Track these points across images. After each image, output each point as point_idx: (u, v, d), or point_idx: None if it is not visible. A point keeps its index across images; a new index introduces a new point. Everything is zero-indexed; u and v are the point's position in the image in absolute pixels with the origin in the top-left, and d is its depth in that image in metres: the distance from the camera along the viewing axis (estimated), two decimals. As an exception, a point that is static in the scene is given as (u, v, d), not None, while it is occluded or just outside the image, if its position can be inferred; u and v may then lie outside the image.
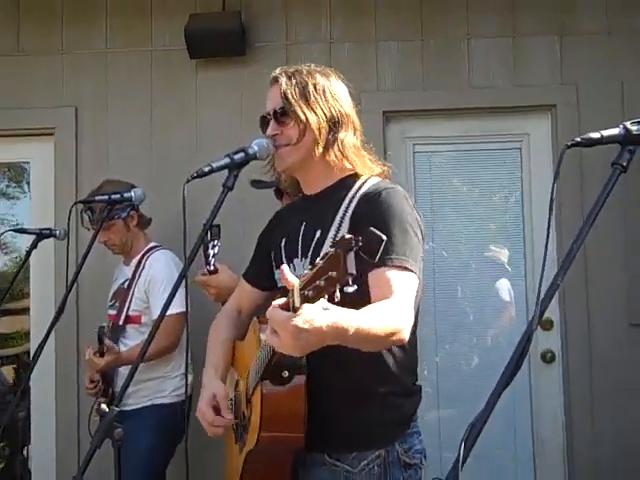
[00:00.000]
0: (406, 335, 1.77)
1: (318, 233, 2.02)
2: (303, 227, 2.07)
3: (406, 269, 1.86)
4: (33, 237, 3.25)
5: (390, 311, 1.75)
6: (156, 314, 3.35)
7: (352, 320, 1.59)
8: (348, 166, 2.06)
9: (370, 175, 2.07)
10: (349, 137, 2.06)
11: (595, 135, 1.56)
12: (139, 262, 3.51)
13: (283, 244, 2.13)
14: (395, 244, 1.87)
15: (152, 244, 3.58)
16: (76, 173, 4.06)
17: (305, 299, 1.43)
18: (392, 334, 1.73)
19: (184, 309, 3.13)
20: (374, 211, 1.94)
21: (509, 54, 4.02)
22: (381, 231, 1.84)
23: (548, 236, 1.48)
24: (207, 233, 2.76)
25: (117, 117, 4.09)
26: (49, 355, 3.74)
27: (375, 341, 1.72)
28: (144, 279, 3.44)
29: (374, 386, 1.99)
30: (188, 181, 2.06)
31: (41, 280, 4.09)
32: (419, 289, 1.92)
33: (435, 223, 4.08)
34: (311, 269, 1.43)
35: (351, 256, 1.37)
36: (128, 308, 3.42)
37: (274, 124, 2.06)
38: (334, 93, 2.07)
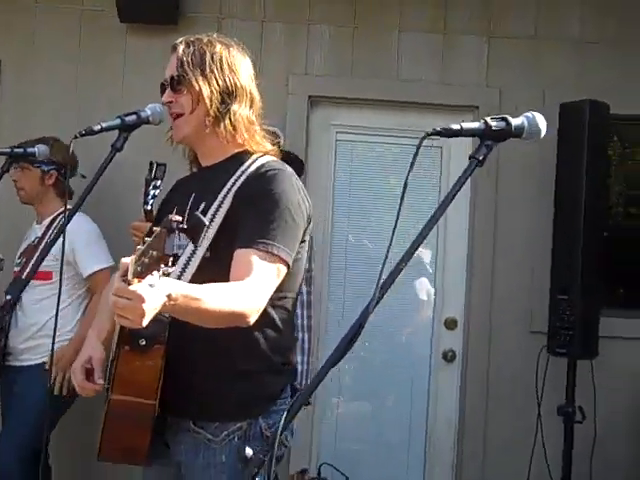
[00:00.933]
0: (252, 319, 1.82)
1: (202, 205, 2.04)
2: (192, 198, 2.10)
3: (272, 254, 1.90)
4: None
5: (238, 293, 1.80)
6: (86, 268, 3.42)
7: (186, 293, 1.63)
8: (239, 140, 2.08)
9: (263, 153, 2.10)
10: (243, 110, 2.07)
11: (455, 126, 1.62)
12: (52, 221, 3.54)
13: (174, 212, 2.10)
14: (268, 229, 1.92)
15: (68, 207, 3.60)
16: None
17: (136, 274, 1.46)
18: (234, 316, 1.79)
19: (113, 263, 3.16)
20: (255, 191, 1.98)
21: (439, 50, 4.10)
22: (257, 213, 1.93)
23: (397, 220, 1.53)
24: (151, 171, 2.81)
25: (42, 75, 4.06)
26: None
27: (212, 320, 1.77)
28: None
29: (241, 362, 2.03)
30: (76, 137, 2.10)
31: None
32: (294, 274, 2.02)
33: (352, 213, 4.15)
34: (142, 245, 1.46)
35: (171, 238, 1.41)
36: (36, 264, 3.41)
37: (169, 92, 2.08)
38: (232, 64, 2.08)
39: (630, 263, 4.52)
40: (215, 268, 1.93)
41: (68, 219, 2.26)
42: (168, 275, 1.49)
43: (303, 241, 2.06)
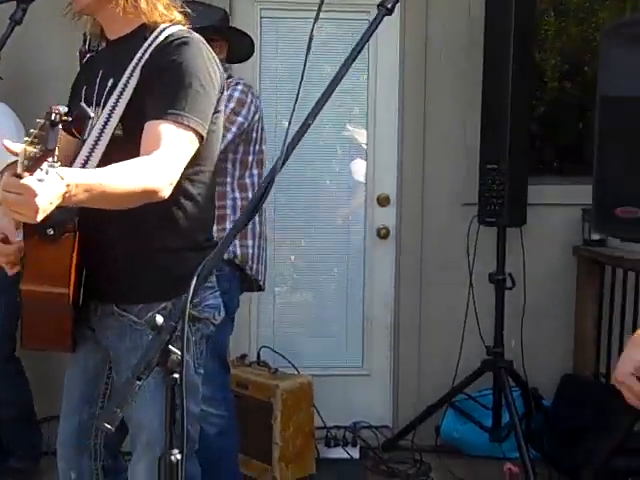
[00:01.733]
0: (165, 193, 1.79)
1: (110, 82, 2.00)
2: (100, 75, 2.04)
3: (183, 124, 1.87)
4: None
5: (146, 169, 1.77)
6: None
7: (94, 179, 1.60)
8: (145, 10, 2.00)
9: (170, 23, 2.03)
10: None
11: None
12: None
13: (83, 92, 2.09)
14: (177, 99, 1.88)
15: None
16: None
17: (24, 168, 1.42)
18: (144, 193, 1.75)
19: None
20: (162, 63, 1.93)
21: None
22: (165, 84, 1.88)
23: (302, 75, 1.50)
24: (84, 42, 2.71)
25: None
26: None
27: (122, 201, 1.74)
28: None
29: (160, 240, 2.02)
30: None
31: None
32: (209, 145, 2.00)
33: (279, 95, 4.07)
34: (28, 138, 1.42)
35: (54, 130, 1.37)
36: None
37: None
38: None
39: (561, 135, 4.60)
40: (126, 145, 1.89)
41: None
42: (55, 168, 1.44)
43: (217, 111, 2.03)
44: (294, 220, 4.22)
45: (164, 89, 1.90)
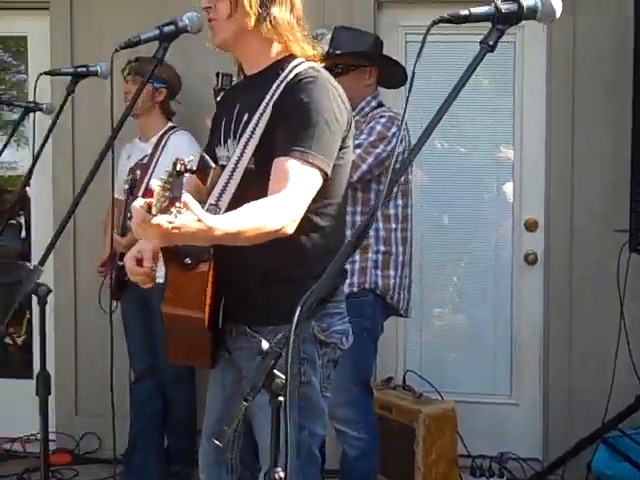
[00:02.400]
0: (288, 230, 1.89)
1: (246, 117, 2.11)
2: (237, 109, 2.16)
3: (308, 162, 1.95)
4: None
5: (270, 209, 1.86)
6: None
7: (217, 225, 1.69)
8: (280, 46, 2.12)
9: (303, 59, 2.12)
10: (283, 13, 2.09)
11: (464, 12, 1.61)
12: (160, 139, 3.75)
13: (223, 124, 2.22)
14: (304, 137, 1.97)
15: (171, 124, 3.84)
16: (71, 47, 4.21)
17: (158, 210, 1.55)
18: (269, 232, 1.85)
19: None
20: (291, 102, 2.02)
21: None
22: (293, 122, 1.99)
23: (404, 113, 1.55)
24: (217, 81, 2.90)
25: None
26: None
27: (249, 241, 1.83)
28: (170, 154, 3.60)
29: (289, 268, 2.11)
30: (117, 51, 2.19)
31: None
32: (336, 180, 2.07)
33: (424, 118, 4.10)
34: (160, 184, 1.54)
35: (179, 180, 1.49)
36: (148, 182, 3.62)
37: None
38: None
39: None
40: (258, 178, 2.00)
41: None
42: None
43: (345, 147, 2.11)
44: (441, 244, 4.24)
45: (292, 127, 1.99)
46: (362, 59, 3.19)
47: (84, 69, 2.84)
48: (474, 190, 4.21)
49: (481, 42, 1.62)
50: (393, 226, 3.13)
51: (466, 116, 4.12)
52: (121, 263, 3.65)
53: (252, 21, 2.07)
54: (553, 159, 4.01)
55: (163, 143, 3.73)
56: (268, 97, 2.06)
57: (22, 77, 4.75)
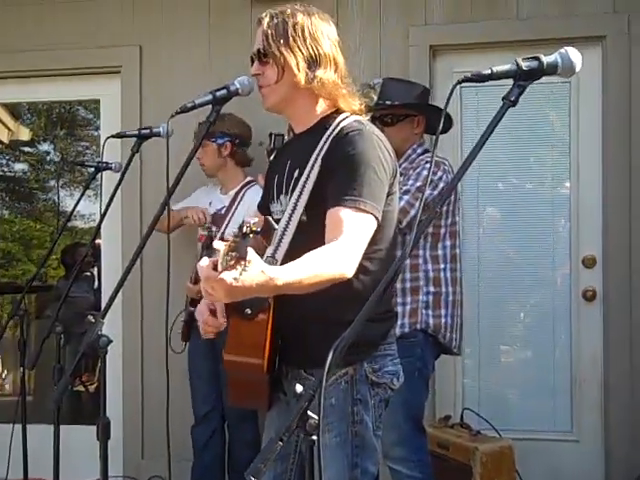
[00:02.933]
0: (349, 274, 1.99)
1: (296, 173, 2.24)
2: (288, 165, 2.30)
3: (360, 209, 2.05)
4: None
5: (331, 256, 1.96)
6: None
7: (279, 276, 1.80)
8: (327, 103, 2.25)
9: (348, 114, 2.25)
10: (328, 75, 2.22)
11: (486, 71, 1.72)
12: (237, 193, 3.93)
13: (276, 180, 2.36)
14: (353, 186, 2.07)
15: (249, 179, 4.00)
16: (140, 109, 4.46)
17: (223, 268, 1.67)
18: (332, 278, 1.95)
19: None
20: (339, 155, 2.14)
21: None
22: (342, 174, 2.11)
23: (431, 166, 1.65)
24: (270, 141, 3.05)
25: (178, 52, 4.44)
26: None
27: (311, 288, 1.93)
28: (246, 207, 3.78)
29: (342, 312, 2.11)
30: (172, 116, 2.35)
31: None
32: (384, 226, 2.17)
33: (482, 159, 4.20)
34: (227, 242, 1.67)
35: (245, 240, 1.61)
36: (224, 232, 3.81)
37: (257, 64, 2.26)
38: (313, 32, 2.22)
39: None
40: (311, 230, 2.11)
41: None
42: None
43: (391, 193, 2.21)
44: (498, 280, 4.28)
45: (341, 177, 2.11)
46: (411, 109, 3.34)
47: (147, 131, 3.01)
48: (533, 226, 4.25)
49: (503, 98, 1.73)
50: (442, 266, 3.24)
51: (524, 152, 4.22)
52: (192, 309, 3.86)
53: (302, 80, 2.21)
54: (610, 194, 4.04)
55: (240, 198, 3.89)
56: (316, 152, 2.19)
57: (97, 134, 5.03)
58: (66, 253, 6.48)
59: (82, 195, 3.66)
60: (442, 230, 3.23)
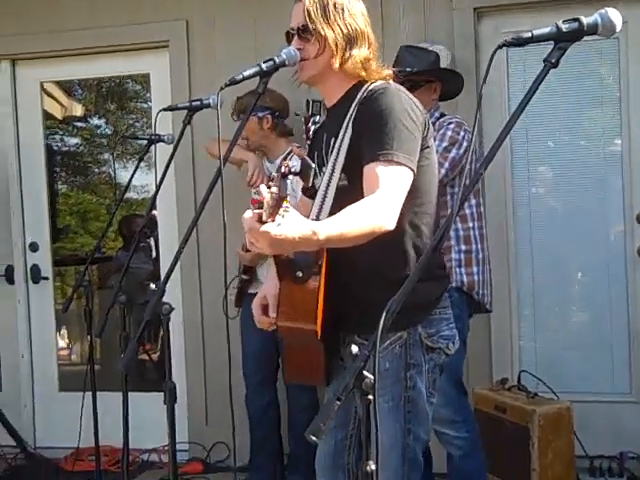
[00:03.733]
0: (390, 226, 2.02)
1: (332, 142, 2.32)
2: (325, 138, 2.38)
3: (393, 162, 2.11)
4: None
5: (369, 208, 2.01)
6: None
7: (320, 229, 1.88)
8: (358, 77, 2.32)
9: (374, 80, 2.31)
10: (362, 52, 2.31)
11: (526, 34, 1.75)
12: (284, 159, 3.94)
13: (316, 154, 2.43)
14: (384, 140, 2.13)
15: (295, 144, 4.01)
16: (189, 82, 4.55)
17: (268, 215, 1.75)
18: (372, 230, 2.00)
19: None
20: (366, 113, 2.21)
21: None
22: (372, 131, 2.18)
23: (474, 129, 1.69)
24: (307, 108, 3.13)
25: (225, 27, 4.52)
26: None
27: (353, 241, 1.99)
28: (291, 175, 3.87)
29: (392, 271, 2.23)
30: (222, 88, 2.41)
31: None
32: (426, 178, 2.24)
33: (530, 131, 4.23)
34: (268, 189, 1.75)
35: (284, 181, 1.71)
36: None
37: (297, 39, 2.34)
38: (351, 10, 2.32)
39: None
40: (350, 192, 2.16)
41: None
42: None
43: (427, 147, 2.26)
44: (551, 240, 4.29)
45: (372, 135, 2.17)
46: (430, 75, 3.43)
47: (198, 103, 3.07)
48: (584, 184, 4.25)
49: (544, 60, 1.75)
50: (470, 225, 3.34)
51: (574, 109, 4.21)
52: (245, 277, 3.96)
53: (337, 62, 2.29)
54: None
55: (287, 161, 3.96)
56: (347, 118, 2.26)
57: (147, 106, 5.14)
58: (123, 224, 6.62)
59: (136, 168, 3.74)
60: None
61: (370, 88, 2.28)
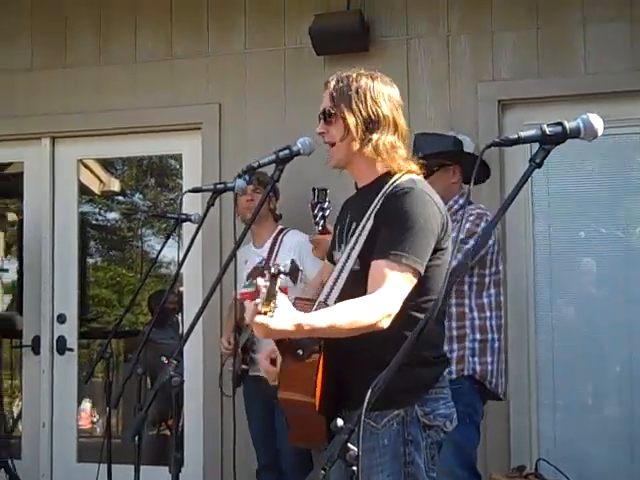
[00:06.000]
0: (382, 324, 2.19)
1: (354, 225, 2.47)
2: (348, 218, 2.54)
3: (402, 263, 2.25)
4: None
5: (364, 307, 2.18)
6: (312, 273, 3.66)
7: (309, 322, 2.06)
8: (381, 163, 2.47)
9: (403, 173, 2.44)
10: (385, 137, 2.45)
11: (513, 136, 1.91)
12: (274, 241, 4.15)
13: (338, 231, 2.61)
14: (398, 240, 2.28)
15: (281, 227, 4.26)
16: (220, 163, 4.79)
17: (262, 305, 1.92)
18: (364, 326, 2.17)
19: None
20: (388, 211, 2.36)
21: (627, 37, 4.23)
22: (390, 229, 2.33)
23: (497, 219, 1.85)
24: (314, 196, 3.31)
25: (255, 110, 4.76)
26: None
27: (344, 334, 2.17)
28: (287, 249, 4.01)
29: (390, 358, 2.27)
30: (239, 175, 2.66)
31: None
32: (432, 277, 2.35)
33: (552, 210, 4.38)
34: (263, 282, 1.90)
35: (274, 281, 1.85)
36: None
37: (322, 123, 2.51)
38: (375, 96, 2.45)
39: None
40: (361, 278, 2.33)
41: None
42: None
43: (442, 249, 2.39)
44: (573, 326, 4.36)
45: (389, 232, 2.32)
46: (442, 158, 3.54)
47: (222, 186, 3.21)
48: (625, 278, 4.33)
49: (530, 160, 1.92)
50: (487, 314, 3.42)
51: (619, 199, 4.37)
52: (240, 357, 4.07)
53: (356, 145, 2.45)
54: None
55: (278, 243, 4.10)
56: (372, 208, 2.41)
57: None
58: (152, 300, 6.83)
59: (164, 245, 3.91)
60: (487, 279, 3.41)
61: (397, 184, 2.40)
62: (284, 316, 2.01)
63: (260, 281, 1.91)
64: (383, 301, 2.22)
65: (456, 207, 3.52)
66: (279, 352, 2.45)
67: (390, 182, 2.42)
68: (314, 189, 3.25)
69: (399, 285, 2.26)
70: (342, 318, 2.15)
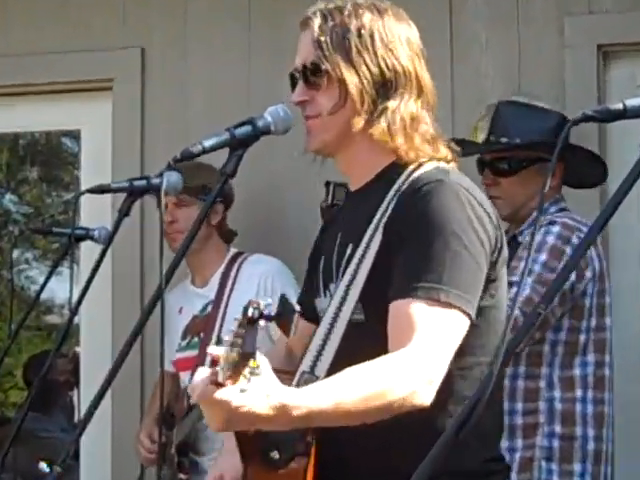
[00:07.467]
0: (423, 399, 2.07)
1: (349, 249, 2.36)
2: (338, 241, 2.43)
3: (437, 301, 2.15)
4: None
5: (393, 369, 2.06)
6: None
7: (300, 402, 1.94)
8: (391, 147, 2.35)
9: (421, 161, 2.34)
10: (405, 105, 2.35)
11: (616, 106, 1.80)
12: (225, 275, 4.11)
13: (322, 266, 2.50)
14: (429, 266, 2.17)
15: (235, 251, 4.20)
16: (141, 145, 4.74)
17: (227, 376, 1.79)
18: (392, 404, 2.04)
19: None
20: (408, 218, 2.24)
21: None
22: (414, 248, 2.23)
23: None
24: (328, 194, 3.25)
25: (200, 62, 4.75)
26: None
27: (358, 418, 2.05)
28: (247, 286, 4.01)
29: (417, 461, 2.08)
30: (169, 165, 2.56)
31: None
32: (484, 328, 2.27)
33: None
34: (229, 338, 1.80)
35: (254, 329, 1.74)
36: (219, 336, 3.95)
37: (302, 86, 2.41)
38: (388, 40, 2.36)
39: None
40: (369, 333, 2.24)
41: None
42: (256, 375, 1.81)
43: (494, 279, 2.30)
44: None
45: (412, 254, 2.22)
46: (541, 151, 3.45)
47: (143, 183, 3.14)
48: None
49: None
50: (578, 394, 3.33)
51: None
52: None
53: (362, 120, 2.34)
54: None
55: (232, 276, 4.08)
56: (376, 219, 2.30)
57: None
58: (30, 367, 6.71)
59: (48, 277, 3.85)
60: (582, 337, 3.33)
61: (417, 175, 2.31)
62: (262, 393, 1.87)
63: (215, 350, 1.82)
64: (419, 362, 2.09)
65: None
66: (240, 455, 2.37)
67: (405, 174, 2.33)
68: (328, 184, 3.16)
69: (441, 336, 2.15)
70: (355, 391, 2.03)
